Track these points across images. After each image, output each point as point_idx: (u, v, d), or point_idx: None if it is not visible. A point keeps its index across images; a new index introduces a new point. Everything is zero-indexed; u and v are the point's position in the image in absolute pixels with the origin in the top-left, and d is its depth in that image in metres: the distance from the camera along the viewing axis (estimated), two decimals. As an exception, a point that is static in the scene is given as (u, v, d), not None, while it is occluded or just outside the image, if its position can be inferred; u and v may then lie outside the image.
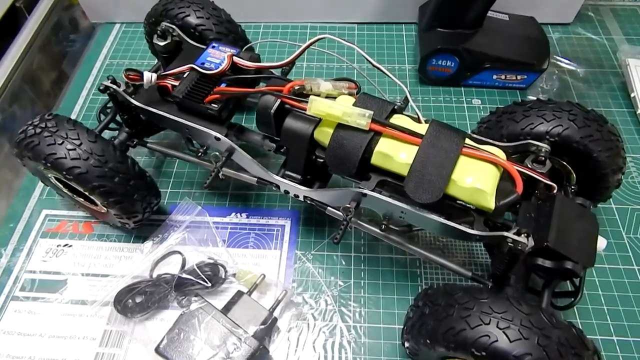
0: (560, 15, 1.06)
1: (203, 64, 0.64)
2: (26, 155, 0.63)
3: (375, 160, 0.55)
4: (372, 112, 0.53)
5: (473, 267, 0.72)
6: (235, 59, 0.61)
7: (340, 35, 1.13)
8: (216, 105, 0.60)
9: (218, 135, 0.60)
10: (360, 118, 0.53)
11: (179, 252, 0.73)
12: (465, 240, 0.59)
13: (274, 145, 0.65)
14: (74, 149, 0.61)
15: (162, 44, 0.71)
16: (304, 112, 0.57)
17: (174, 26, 0.71)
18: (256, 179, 0.66)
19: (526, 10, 0.98)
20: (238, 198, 0.82)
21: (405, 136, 0.53)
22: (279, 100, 0.58)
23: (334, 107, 0.53)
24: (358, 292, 0.71)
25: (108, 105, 0.73)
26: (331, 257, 0.75)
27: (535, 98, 0.67)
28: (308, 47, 0.59)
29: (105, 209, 0.68)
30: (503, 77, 0.93)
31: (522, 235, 0.49)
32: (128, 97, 0.64)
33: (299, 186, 0.62)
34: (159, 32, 0.71)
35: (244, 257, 0.75)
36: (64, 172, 0.61)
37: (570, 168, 0.64)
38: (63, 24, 1.17)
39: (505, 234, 0.49)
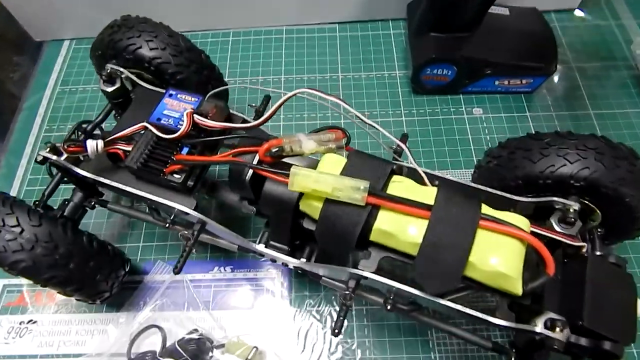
0: (563, 0, 0.95)
1: (159, 119, 0.53)
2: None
3: (375, 237, 0.46)
4: (367, 184, 0.44)
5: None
6: (197, 118, 0.50)
7: (320, 39, 1.02)
8: (179, 176, 0.50)
9: (186, 209, 0.51)
10: (354, 192, 0.44)
11: (158, 327, 0.64)
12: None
13: (254, 209, 0.55)
14: (14, 239, 0.51)
15: (109, 89, 0.60)
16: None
17: (121, 68, 0.60)
18: (236, 246, 0.57)
19: (526, -1, 0.87)
20: (220, 249, 0.73)
21: (410, 209, 0.44)
22: (252, 166, 0.49)
23: (320, 182, 0.44)
24: (364, 353, 0.64)
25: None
26: (331, 314, 0.67)
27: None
28: (283, 103, 0.49)
29: (65, 296, 0.58)
30: (506, 82, 0.83)
31: (557, 329, 0.41)
32: (73, 168, 0.53)
33: (287, 257, 0.53)
34: (104, 76, 0.59)
35: (232, 320, 0.67)
36: (6, 268, 0.51)
37: (594, 207, 0.56)
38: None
39: (538, 329, 0.41)
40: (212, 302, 0.69)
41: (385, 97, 0.87)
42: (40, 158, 0.53)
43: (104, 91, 0.60)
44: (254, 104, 0.60)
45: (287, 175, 0.45)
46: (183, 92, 0.55)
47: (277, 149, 0.48)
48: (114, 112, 0.69)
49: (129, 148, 0.52)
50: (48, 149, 0.54)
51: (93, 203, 0.63)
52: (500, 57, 0.79)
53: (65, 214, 0.61)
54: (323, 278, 0.55)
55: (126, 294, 0.69)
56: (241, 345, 0.62)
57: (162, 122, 0.53)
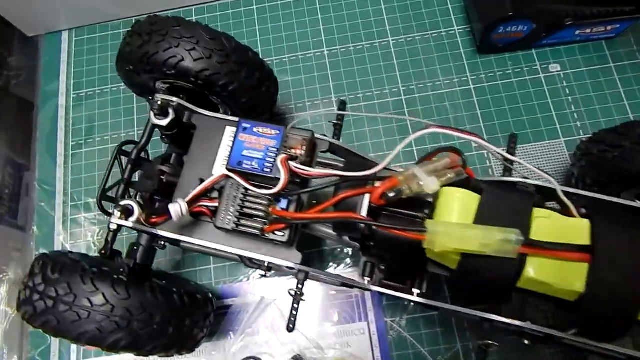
0: None
1: (240, 163, 0.45)
2: (45, 330, 0.48)
3: (523, 284, 0.41)
4: (519, 234, 0.37)
5: None
6: (294, 166, 0.42)
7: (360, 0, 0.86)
8: (283, 234, 0.44)
9: (293, 265, 0.45)
10: (505, 245, 0.38)
11: (258, 359, 0.62)
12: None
13: (358, 246, 0.50)
14: (107, 318, 0.46)
15: (163, 123, 0.51)
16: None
17: (174, 98, 0.50)
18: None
19: None
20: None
21: (568, 255, 0.38)
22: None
23: (465, 240, 0.37)
24: (469, 358, 0.62)
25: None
26: (428, 319, 0.64)
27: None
28: (406, 143, 0.40)
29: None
30: (588, 30, 0.72)
31: None
32: (156, 232, 0.46)
33: (411, 297, 0.48)
34: (155, 110, 0.50)
35: (326, 338, 0.65)
36: (106, 348, 0.47)
37: None
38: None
39: None
40: (303, 322, 0.66)
41: (447, 60, 0.77)
42: (114, 227, 0.47)
43: (156, 125, 0.51)
44: (332, 121, 0.52)
45: (422, 231, 0.38)
46: (258, 124, 0.46)
47: (394, 191, 0.41)
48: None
49: (214, 204, 0.45)
50: (119, 214, 0.46)
51: (163, 243, 0.57)
52: (586, 3, 0.68)
53: (138, 261, 0.56)
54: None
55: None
56: (346, 367, 0.61)
57: (244, 166, 0.45)
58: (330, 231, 0.51)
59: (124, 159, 0.62)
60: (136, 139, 0.76)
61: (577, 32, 0.72)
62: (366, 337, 0.64)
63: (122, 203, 0.48)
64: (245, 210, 0.44)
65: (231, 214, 0.44)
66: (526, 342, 0.47)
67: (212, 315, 0.59)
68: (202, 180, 0.47)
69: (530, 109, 0.73)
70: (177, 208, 0.42)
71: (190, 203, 0.44)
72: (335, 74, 0.77)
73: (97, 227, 0.73)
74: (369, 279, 0.51)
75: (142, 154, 0.61)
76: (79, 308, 0.46)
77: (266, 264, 0.50)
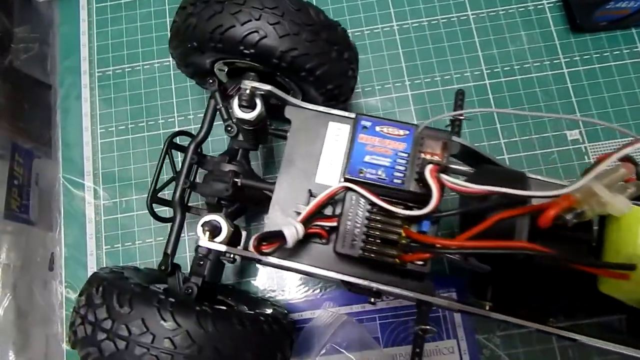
0: None
1: (362, 172, 0.36)
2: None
3: None
4: None
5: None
6: (446, 180, 0.33)
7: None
8: (423, 263, 0.35)
9: (429, 299, 0.36)
10: None
11: (339, 386, 0.55)
12: None
13: (488, 269, 0.41)
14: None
15: (250, 116, 0.40)
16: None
17: (265, 85, 0.40)
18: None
19: None
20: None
21: None
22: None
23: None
24: (572, 378, 0.56)
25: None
26: (525, 335, 0.57)
27: None
28: None
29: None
30: (702, 7, 0.63)
31: None
32: (262, 258, 0.37)
33: (559, 332, 0.40)
34: (243, 100, 0.39)
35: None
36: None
37: None
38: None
39: None
40: (383, 339, 0.58)
41: (535, 40, 0.67)
42: (204, 251, 0.37)
43: (241, 119, 0.41)
44: (456, 116, 0.42)
45: (627, 269, 0.30)
46: (382, 122, 0.37)
47: (573, 214, 0.33)
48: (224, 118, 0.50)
49: (332, 223, 0.36)
50: (207, 234, 0.37)
51: (234, 256, 0.48)
52: None
53: (206, 279, 0.47)
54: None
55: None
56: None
57: (368, 176, 0.36)
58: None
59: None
60: (176, 126, 0.68)
61: (687, 10, 0.63)
62: (455, 357, 0.57)
63: (207, 218, 0.38)
64: (374, 233, 0.35)
65: (356, 237, 0.35)
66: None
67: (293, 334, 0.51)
68: (311, 193, 0.38)
69: (631, 97, 0.64)
70: (293, 231, 0.33)
71: (306, 223, 0.35)
72: (408, 53, 0.67)
73: (136, 229, 0.63)
74: (490, 304, 0.43)
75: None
76: (159, 351, 0.37)
77: (374, 290, 0.42)
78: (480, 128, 0.64)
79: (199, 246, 0.38)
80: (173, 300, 0.38)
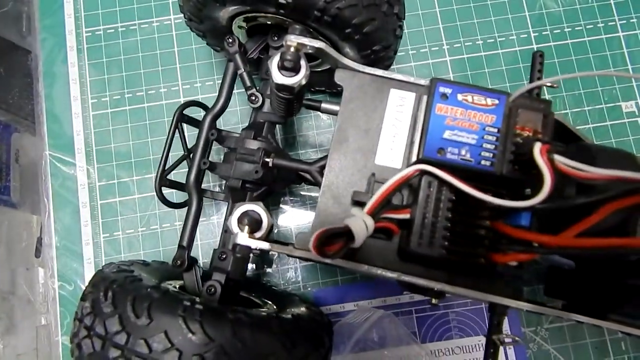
0: None
1: (443, 151, 0.28)
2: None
3: None
4: None
5: None
6: (562, 162, 0.26)
7: None
8: (519, 265, 0.28)
9: (519, 306, 0.30)
10: None
11: (376, 387, 0.49)
12: None
13: (572, 265, 0.35)
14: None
15: (293, 82, 0.32)
16: None
17: (316, 43, 0.31)
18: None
19: None
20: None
21: None
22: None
23: None
24: (625, 373, 0.52)
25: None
26: (574, 328, 0.53)
27: None
28: None
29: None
30: None
31: None
32: (327, 261, 0.29)
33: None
34: (288, 60, 0.31)
35: (452, 354, 0.52)
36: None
37: None
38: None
39: None
40: (421, 333, 0.53)
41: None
42: (245, 250, 0.30)
43: (281, 85, 0.32)
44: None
45: None
46: (466, 89, 0.29)
47: None
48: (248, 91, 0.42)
49: (404, 215, 0.29)
50: (247, 228, 0.29)
51: (259, 250, 0.41)
52: None
53: (230, 276, 0.40)
54: None
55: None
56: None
57: (449, 157, 0.28)
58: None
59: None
60: (181, 96, 0.59)
61: None
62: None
63: (244, 209, 0.30)
64: (457, 228, 0.28)
65: (436, 233, 0.28)
66: None
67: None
68: (374, 176, 0.30)
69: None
70: (362, 227, 0.26)
71: (376, 216, 0.27)
72: (446, 13, 0.59)
73: (139, 213, 0.55)
74: (563, 302, 0.37)
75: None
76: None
77: (436, 289, 0.35)
78: (527, 99, 0.57)
79: (237, 245, 0.30)
80: (201, 307, 0.31)
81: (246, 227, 0.30)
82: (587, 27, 0.59)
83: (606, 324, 0.33)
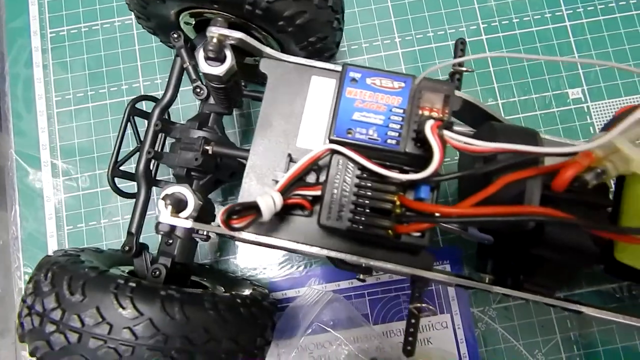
0: None
1: (351, 132, 0.30)
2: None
3: None
4: None
5: None
6: (450, 136, 0.28)
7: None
8: (421, 235, 0.30)
9: (427, 275, 0.32)
10: None
11: (327, 367, 0.51)
12: None
13: (491, 239, 0.37)
14: (158, 354, 0.32)
15: (219, 71, 0.34)
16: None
17: (237, 33, 0.33)
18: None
19: None
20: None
21: None
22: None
23: None
24: (570, 349, 0.54)
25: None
26: (522, 308, 0.54)
27: None
28: None
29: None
30: None
31: None
32: (235, 235, 0.32)
33: (560, 303, 0.36)
34: (210, 51, 0.33)
35: (399, 336, 0.54)
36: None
37: None
38: None
39: None
40: (373, 315, 0.55)
41: (534, -9, 0.61)
42: (166, 228, 0.32)
43: (208, 75, 0.35)
44: (457, 67, 0.37)
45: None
46: (374, 73, 0.31)
47: (594, 174, 0.28)
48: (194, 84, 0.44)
49: (315, 192, 0.31)
50: (170, 208, 0.31)
51: (207, 233, 0.43)
52: None
53: (177, 260, 0.42)
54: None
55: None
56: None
57: (358, 136, 0.30)
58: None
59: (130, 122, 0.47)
60: (142, 92, 0.61)
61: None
62: (449, 331, 0.54)
63: (169, 191, 0.33)
64: (364, 202, 0.30)
65: (343, 207, 0.30)
66: None
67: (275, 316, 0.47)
68: (291, 158, 0.32)
69: (639, 52, 0.60)
70: (270, 202, 0.28)
71: (285, 192, 0.29)
72: (398, 7, 0.61)
73: (102, 206, 0.57)
74: (491, 277, 0.39)
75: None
76: (117, 342, 0.32)
77: (363, 265, 0.37)
78: (476, 88, 0.59)
79: (159, 223, 0.32)
80: (134, 284, 0.33)
81: (170, 207, 0.32)
82: (535, 17, 0.61)
83: (519, 294, 0.35)
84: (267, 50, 0.35)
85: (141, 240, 0.43)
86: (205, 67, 0.34)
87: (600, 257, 0.32)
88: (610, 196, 0.35)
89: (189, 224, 0.32)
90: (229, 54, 0.34)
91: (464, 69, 0.37)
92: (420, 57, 0.60)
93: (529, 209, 0.27)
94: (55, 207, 0.57)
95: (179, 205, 0.32)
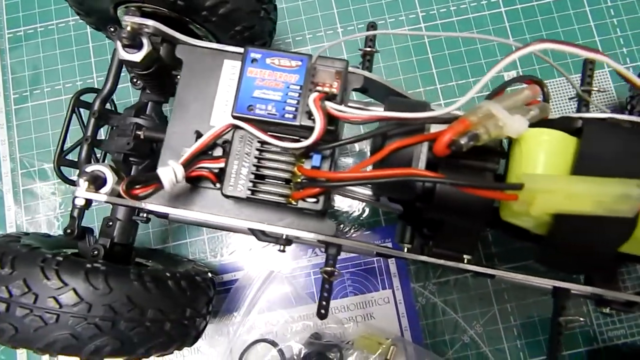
0: None
1: (251, 108, 0.33)
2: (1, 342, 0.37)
3: (628, 248, 0.32)
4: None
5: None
6: (331, 107, 0.30)
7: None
8: (316, 200, 0.33)
9: (329, 239, 0.35)
10: (621, 203, 0.28)
11: (270, 342, 0.53)
12: None
13: (399, 208, 0.40)
14: (84, 320, 0.35)
15: (135, 58, 0.37)
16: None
17: (147, 20, 0.36)
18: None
19: None
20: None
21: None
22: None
23: (575, 198, 0.28)
24: (507, 321, 0.56)
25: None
26: (461, 281, 0.57)
27: None
28: (507, 64, 0.29)
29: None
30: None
31: None
32: (138, 205, 0.35)
33: (468, 266, 0.39)
34: (124, 39, 0.36)
35: (347, 310, 0.57)
36: (86, 358, 0.36)
37: None
38: None
39: None
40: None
41: None
42: (81, 201, 0.34)
43: (127, 62, 0.37)
44: (362, 49, 0.40)
45: (513, 189, 0.29)
46: (273, 54, 0.34)
47: (468, 138, 0.31)
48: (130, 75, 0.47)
49: (219, 164, 0.33)
50: (87, 184, 0.34)
51: (147, 215, 0.45)
52: None
53: (116, 240, 0.44)
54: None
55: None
56: (374, 342, 0.53)
57: (257, 112, 0.33)
58: (367, 192, 0.41)
59: (84, 113, 0.49)
60: (97, 87, 0.63)
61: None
62: (391, 306, 0.56)
63: (89, 169, 0.35)
64: (263, 172, 0.33)
65: (244, 178, 0.32)
66: (606, 310, 0.39)
67: (214, 298, 0.49)
68: (199, 134, 0.35)
69: (569, 35, 0.62)
70: (170, 173, 0.30)
71: (186, 165, 0.32)
72: (339, -2, 0.64)
73: (59, 197, 0.60)
74: (409, 245, 0.41)
75: (108, 105, 0.48)
76: (42, 311, 0.34)
77: (284, 237, 0.40)
78: (415, 74, 0.61)
79: (75, 197, 0.35)
80: (60, 259, 0.36)
81: (86, 183, 0.35)
82: (471, 4, 0.63)
83: (430, 260, 0.38)
84: (179, 36, 0.37)
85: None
86: (123, 54, 0.36)
87: (489, 219, 0.34)
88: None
89: (104, 198, 0.35)
90: (145, 41, 0.37)
91: (372, 50, 0.39)
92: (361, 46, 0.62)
93: (403, 170, 0.30)
94: (14, 199, 0.59)
95: (96, 181, 0.35)
